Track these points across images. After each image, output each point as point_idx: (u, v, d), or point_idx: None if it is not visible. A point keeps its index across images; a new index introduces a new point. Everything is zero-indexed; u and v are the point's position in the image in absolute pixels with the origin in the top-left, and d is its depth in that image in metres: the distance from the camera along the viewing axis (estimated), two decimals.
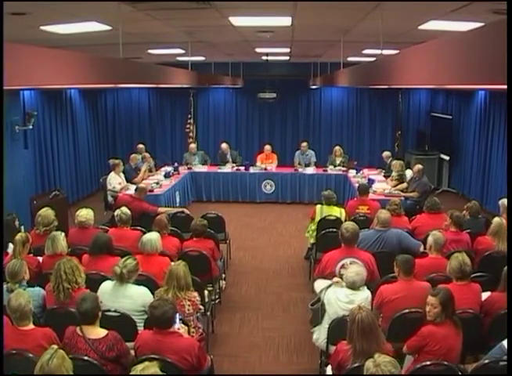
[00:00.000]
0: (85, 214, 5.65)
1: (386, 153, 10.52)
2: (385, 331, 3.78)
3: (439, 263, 4.59)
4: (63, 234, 4.94)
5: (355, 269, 4.16)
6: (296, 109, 13.84)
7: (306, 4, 4.36)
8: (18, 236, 4.77)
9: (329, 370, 3.78)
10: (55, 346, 2.97)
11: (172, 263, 4.55)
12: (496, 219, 5.42)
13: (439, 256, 4.78)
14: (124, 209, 5.86)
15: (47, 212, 5.53)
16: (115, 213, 5.90)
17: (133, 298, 4.08)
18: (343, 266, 4.72)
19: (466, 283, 4.13)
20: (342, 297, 4.08)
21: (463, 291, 4.06)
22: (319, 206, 6.98)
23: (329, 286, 4.23)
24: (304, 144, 11.40)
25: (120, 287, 4.10)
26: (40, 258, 4.94)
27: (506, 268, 4.10)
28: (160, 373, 2.83)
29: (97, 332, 3.42)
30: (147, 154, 10.32)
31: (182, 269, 4.13)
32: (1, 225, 5.34)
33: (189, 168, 10.97)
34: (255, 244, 8.39)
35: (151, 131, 13.93)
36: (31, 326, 3.46)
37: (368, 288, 4.52)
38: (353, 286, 4.09)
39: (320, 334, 4.16)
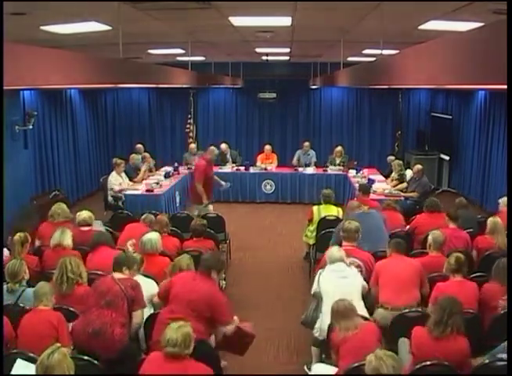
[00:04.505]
0: (86, 214, 5.73)
1: (390, 158, 10.44)
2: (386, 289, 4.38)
3: (439, 262, 4.61)
4: (71, 233, 5.08)
5: (332, 248, 4.55)
6: (296, 109, 13.83)
7: (306, 4, 4.36)
8: (17, 237, 4.80)
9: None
10: (58, 344, 3.01)
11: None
12: (490, 219, 5.50)
13: (439, 254, 4.83)
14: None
15: (61, 206, 5.86)
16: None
17: (142, 285, 4.20)
18: None
19: (461, 278, 4.21)
20: (336, 269, 4.34)
21: (460, 287, 4.12)
22: (315, 207, 7.00)
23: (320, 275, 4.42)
24: (307, 144, 11.40)
25: None
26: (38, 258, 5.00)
27: (499, 261, 4.23)
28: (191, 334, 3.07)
29: (122, 275, 3.95)
30: (147, 154, 10.32)
31: (186, 262, 4.32)
32: (1, 225, 5.36)
33: (189, 168, 10.95)
34: (255, 244, 8.39)
35: (151, 131, 13.93)
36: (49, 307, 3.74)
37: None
38: (342, 259, 4.42)
39: (322, 323, 4.20)
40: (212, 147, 8.42)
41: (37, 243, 5.70)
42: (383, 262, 4.67)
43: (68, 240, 4.98)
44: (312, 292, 4.47)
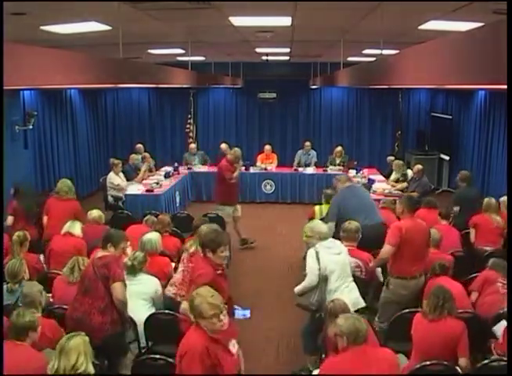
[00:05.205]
0: (96, 213, 6.03)
1: (390, 158, 10.47)
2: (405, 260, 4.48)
3: (437, 258, 4.70)
4: (81, 225, 5.41)
5: (311, 223, 4.54)
6: (296, 109, 13.83)
7: (306, 4, 4.35)
8: (15, 236, 4.87)
9: None
10: (83, 333, 3.09)
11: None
12: (486, 199, 5.87)
13: (436, 251, 4.96)
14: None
15: (67, 183, 6.44)
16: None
17: (144, 282, 4.34)
18: None
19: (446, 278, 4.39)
20: (329, 246, 4.36)
21: (449, 283, 4.24)
22: (317, 207, 7.00)
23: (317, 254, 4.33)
24: (308, 144, 11.42)
25: (132, 277, 4.32)
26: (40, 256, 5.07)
27: (494, 259, 4.59)
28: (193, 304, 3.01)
29: (102, 253, 3.89)
30: (147, 154, 10.33)
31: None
32: (1, 225, 5.38)
33: (189, 168, 10.97)
34: (255, 244, 8.39)
35: (151, 131, 13.92)
36: (38, 314, 3.64)
37: (367, 288, 4.58)
38: (329, 234, 4.50)
39: (318, 296, 4.24)
40: (235, 148, 8.37)
41: (44, 220, 6.14)
42: (405, 226, 4.57)
43: (78, 230, 5.27)
44: (317, 272, 4.26)
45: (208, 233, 3.89)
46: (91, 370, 2.93)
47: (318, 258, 4.28)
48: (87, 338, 2.99)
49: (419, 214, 6.26)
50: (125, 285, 3.85)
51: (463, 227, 6.11)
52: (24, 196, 6.45)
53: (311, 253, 4.36)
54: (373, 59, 7.80)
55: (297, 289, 4.46)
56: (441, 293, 3.66)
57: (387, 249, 4.57)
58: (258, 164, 11.33)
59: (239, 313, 3.85)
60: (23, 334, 3.18)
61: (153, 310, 4.28)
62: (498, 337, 3.81)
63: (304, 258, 7.43)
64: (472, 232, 5.71)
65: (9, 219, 6.09)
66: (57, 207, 6.14)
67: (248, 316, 3.90)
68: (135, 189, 8.79)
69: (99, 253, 3.95)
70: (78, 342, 2.90)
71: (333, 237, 5.26)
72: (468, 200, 6.37)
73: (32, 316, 3.26)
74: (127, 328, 3.99)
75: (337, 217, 5.48)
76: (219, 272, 3.75)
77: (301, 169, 11.00)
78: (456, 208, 6.53)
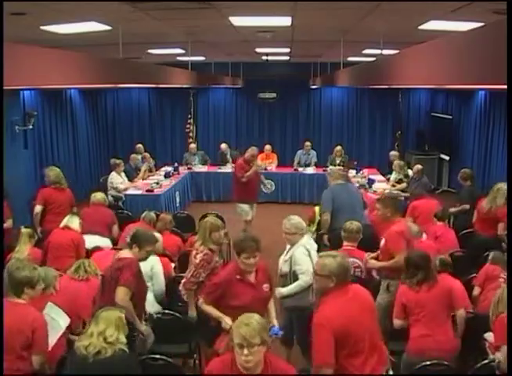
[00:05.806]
0: (99, 196, 6.32)
1: (393, 153, 10.45)
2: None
3: (424, 247, 4.73)
4: (80, 221, 5.40)
5: (292, 220, 4.44)
6: (296, 109, 13.82)
7: (306, 4, 4.36)
8: (24, 229, 5.00)
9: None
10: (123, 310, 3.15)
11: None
12: (496, 184, 5.85)
13: (420, 240, 5.04)
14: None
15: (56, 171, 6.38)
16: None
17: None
18: None
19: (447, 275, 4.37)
20: (311, 243, 4.38)
21: (450, 279, 4.20)
22: (317, 207, 6.99)
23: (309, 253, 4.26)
24: (308, 143, 11.42)
25: None
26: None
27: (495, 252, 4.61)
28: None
29: (125, 254, 3.77)
30: (147, 154, 10.33)
31: (210, 222, 4.42)
32: (1, 227, 5.38)
33: (189, 168, 10.97)
34: None
35: (151, 131, 13.91)
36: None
37: (367, 288, 4.54)
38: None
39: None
40: (252, 147, 8.37)
41: (38, 209, 6.10)
42: (403, 229, 4.53)
43: (76, 224, 5.28)
44: (312, 271, 3.94)
45: (240, 236, 3.76)
46: (124, 340, 2.93)
47: (311, 257, 4.19)
48: (122, 315, 3.01)
49: (418, 205, 6.34)
50: (130, 290, 3.63)
51: (470, 226, 6.11)
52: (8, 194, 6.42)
53: (303, 252, 4.21)
54: (373, 59, 7.80)
55: (288, 290, 4.22)
56: (423, 262, 3.70)
57: (398, 258, 4.28)
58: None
59: (274, 330, 3.64)
60: (18, 290, 3.07)
61: (154, 307, 4.27)
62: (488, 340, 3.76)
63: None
64: (475, 214, 5.79)
65: (9, 222, 5.95)
66: (58, 199, 6.16)
67: (279, 336, 3.75)
68: (135, 189, 8.80)
69: (124, 253, 3.82)
70: (111, 314, 2.94)
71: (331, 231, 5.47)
72: (474, 199, 6.32)
73: (31, 272, 3.14)
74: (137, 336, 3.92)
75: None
76: (238, 277, 3.58)
77: (301, 169, 11.00)
78: (467, 206, 6.50)
